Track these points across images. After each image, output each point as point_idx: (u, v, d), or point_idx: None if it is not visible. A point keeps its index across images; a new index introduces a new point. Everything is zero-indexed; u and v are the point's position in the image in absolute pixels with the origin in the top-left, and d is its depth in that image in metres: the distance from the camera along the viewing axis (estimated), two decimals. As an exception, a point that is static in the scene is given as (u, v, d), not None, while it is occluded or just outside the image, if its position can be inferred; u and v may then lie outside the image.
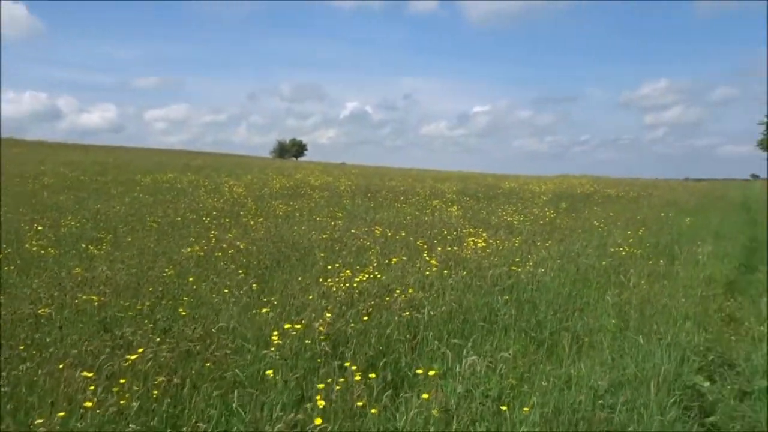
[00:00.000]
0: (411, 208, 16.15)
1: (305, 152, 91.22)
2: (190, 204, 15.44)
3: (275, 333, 4.69)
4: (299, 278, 6.98)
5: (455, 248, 9.23)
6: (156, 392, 3.82)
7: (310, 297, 6.01)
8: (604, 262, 8.61)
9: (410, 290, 6.26)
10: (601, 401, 4.15)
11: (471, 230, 11.66)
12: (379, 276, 6.95)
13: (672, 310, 6.45)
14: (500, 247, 9.51)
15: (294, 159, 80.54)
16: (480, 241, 9.69)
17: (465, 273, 7.45)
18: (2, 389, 3.99)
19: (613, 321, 6.00)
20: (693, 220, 14.60)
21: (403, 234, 10.79)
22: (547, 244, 10.13)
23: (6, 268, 8.18)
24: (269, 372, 4.10)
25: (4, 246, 9.63)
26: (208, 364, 4.32)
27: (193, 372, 4.25)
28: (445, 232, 11.15)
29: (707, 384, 4.71)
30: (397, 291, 6.16)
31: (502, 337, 5.52)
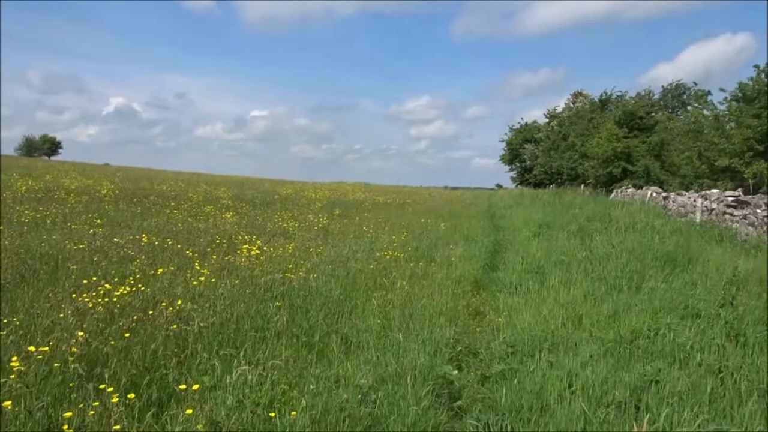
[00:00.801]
0: (183, 215, 15.42)
1: (60, 151, 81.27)
2: None
3: (15, 358, 4.12)
4: (49, 295, 6.22)
5: (229, 256, 9.06)
6: None
7: (62, 315, 5.40)
8: (371, 266, 9.17)
9: (179, 302, 5.99)
10: (365, 397, 4.43)
11: (246, 237, 11.55)
12: (143, 288, 6.52)
13: (428, 308, 7.14)
14: (274, 254, 9.58)
15: (46, 158, 71.27)
16: (254, 248, 9.65)
17: (238, 281, 7.36)
18: None
19: (378, 321, 6.44)
20: (448, 225, 16.29)
21: (174, 242, 10.26)
22: (320, 250, 10.47)
23: None
24: (7, 404, 3.59)
25: None
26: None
27: None
28: (219, 240, 10.88)
29: (456, 372, 5.30)
30: (164, 303, 5.84)
31: (275, 343, 5.58)
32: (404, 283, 8.30)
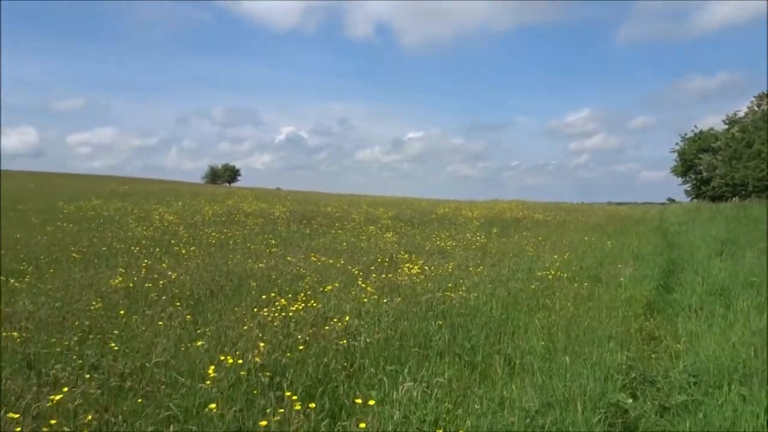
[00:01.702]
0: (347, 235, 16.23)
1: (239, 178, 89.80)
2: (117, 233, 14.93)
3: (211, 366, 4.62)
4: (234, 308, 6.90)
5: (390, 275, 9.36)
6: (86, 431, 3.70)
7: (246, 327, 5.96)
8: (533, 286, 8.94)
9: (346, 318, 6.31)
10: (532, 422, 4.31)
11: (406, 256, 11.85)
12: (315, 304, 6.96)
13: (596, 331, 6.78)
14: (434, 273, 9.71)
15: (227, 184, 79.14)
16: (415, 267, 9.87)
17: (400, 299, 7.58)
18: None
19: (542, 343, 6.24)
20: (614, 243, 15.36)
21: (340, 261, 10.84)
22: (479, 269, 10.43)
23: None
24: (212, 406, 4.04)
25: None
26: (141, 400, 4.21)
27: (125, 408, 4.13)
28: (381, 259, 11.28)
29: (630, 401, 4.97)
30: (334, 319, 6.19)
31: (437, 361, 5.65)
32: (568, 303, 7.98)
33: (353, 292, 7.73)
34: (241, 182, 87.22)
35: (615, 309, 7.96)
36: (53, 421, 3.77)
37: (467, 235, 16.90)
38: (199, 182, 75.82)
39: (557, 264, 11.34)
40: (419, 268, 9.85)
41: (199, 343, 5.40)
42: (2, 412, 3.85)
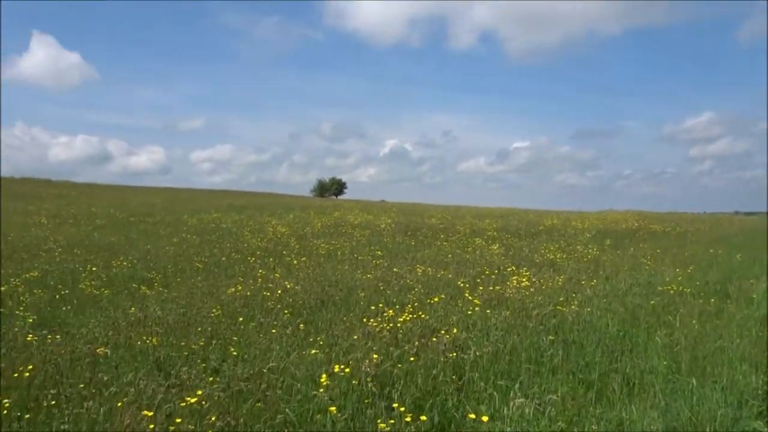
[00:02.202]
0: (452, 246, 16.16)
1: (345, 190, 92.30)
2: (235, 244, 15.82)
3: (324, 374, 4.76)
4: (344, 318, 7.07)
5: (498, 287, 9.19)
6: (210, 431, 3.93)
7: (356, 337, 6.08)
8: (652, 301, 8.43)
9: (454, 330, 6.27)
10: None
11: (513, 268, 11.60)
12: (423, 316, 6.98)
13: (726, 352, 6.26)
14: (544, 286, 9.42)
15: (334, 197, 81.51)
16: (523, 279, 9.63)
17: (508, 312, 7.41)
18: (64, 427, 4.16)
19: (664, 362, 5.86)
20: (744, 256, 14.16)
21: (445, 273, 10.80)
22: (593, 283, 9.99)
23: (63, 308, 8.54)
24: (332, 409, 4.15)
25: (60, 286, 10.05)
26: (259, 404, 4.41)
27: (244, 411, 4.34)
28: (487, 271, 11.11)
29: (767, 430, 4.54)
30: (441, 331, 6.17)
31: (550, 378, 5.46)
32: (693, 321, 7.44)
33: (460, 304, 7.66)
34: (347, 195, 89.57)
35: (747, 328, 7.32)
36: (178, 420, 4.03)
37: (578, 247, 16.26)
38: (308, 195, 78.66)
39: (679, 278, 10.62)
40: (528, 281, 9.60)
41: (314, 351, 5.58)
42: (136, 411, 4.18)
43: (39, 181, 48.73)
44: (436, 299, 7.98)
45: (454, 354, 5.59)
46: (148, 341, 6.40)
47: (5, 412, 4.62)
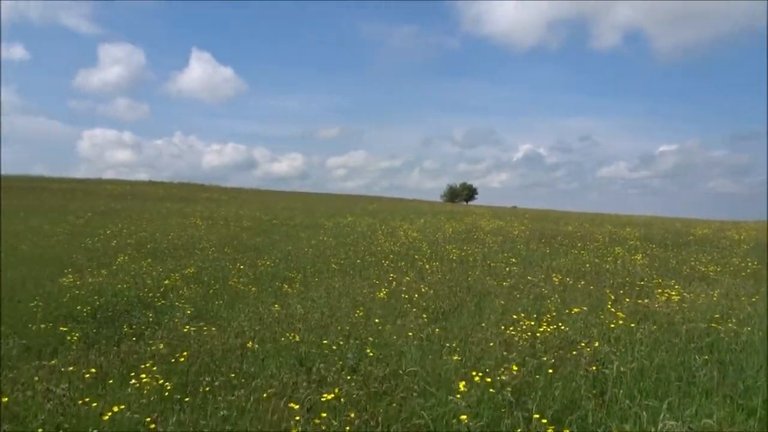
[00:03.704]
0: (590, 255, 15.42)
1: (475, 196, 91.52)
2: (368, 247, 16.27)
3: (461, 381, 4.76)
4: (482, 324, 7.02)
5: (644, 300, 8.63)
6: (349, 428, 4.07)
7: (491, 344, 6.01)
8: (828, 323, 7.46)
9: (595, 343, 5.98)
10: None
11: (659, 281, 10.83)
12: (562, 327, 6.74)
13: None
14: (696, 301, 8.70)
15: (464, 203, 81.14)
16: (673, 293, 8.96)
17: (655, 327, 6.94)
18: (221, 413, 4.53)
19: None
20: None
21: (584, 283, 10.34)
22: (753, 299, 9.05)
23: (216, 302, 9.29)
24: (463, 417, 4.16)
25: (213, 282, 10.94)
26: (396, 405, 4.51)
27: (381, 411, 4.46)
28: (630, 282, 10.48)
29: None
30: (582, 343, 5.92)
31: (703, 401, 5.03)
32: None
33: (601, 317, 7.30)
34: (477, 201, 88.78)
35: None
36: (323, 414, 4.22)
37: (734, 260, 14.82)
38: (438, 201, 79.03)
39: None
40: (678, 294, 8.92)
41: (455, 357, 5.59)
42: (283, 403, 4.44)
43: (193, 185, 53.54)
44: (575, 310, 7.66)
45: (595, 368, 5.34)
46: (290, 337, 6.78)
47: (167, 394, 5.12)
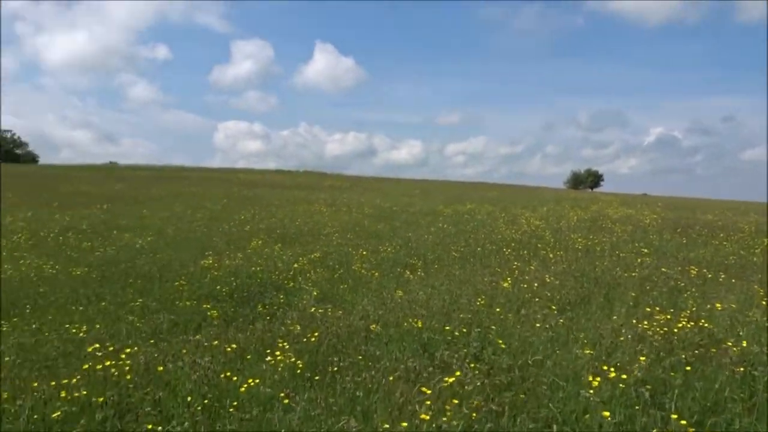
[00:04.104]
0: (733, 246, 14.15)
1: (601, 183, 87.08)
2: (489, 235, 16.06)
3: (591, 375, 4.59)
4: (613, 317, 6.70)
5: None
6: (475, 415, 4.06)
7: (622, 338, 5.72)
8: None
9: (743, 343, 5.49)
10: None
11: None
12: (704, 323, 6.26)
13: None
14: None
15: (589, 190, 77.55)
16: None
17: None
18: (349, 393, 4.71)
19: None
20: None
21: (725, 276, 9.52)
22: None
23: (341, 286, 9.63)
24: (606, 413, 4.00)
25: (337, 266, 11.34)
26: (522, 395, 4.44)
27: (506, 400, 4.40)
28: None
29: None
30: (728, 342, 5.46)
31: None
32: None
33: (750, 314, 6.68)
34: (603, 187, 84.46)
35: None
36: (455, 401, 4.24)
37: None
38: (561, 187, 76.14)
39: None
40: None
41: (587, 351, 5.39)
42: (411, 386, 4.53)
43: (317, 174, 55.66)
44: (718, 306, 7.08)
45: (743, 369, 4.91)
46: (413, 323, 6.88)
47: (299, 371, 5.40)
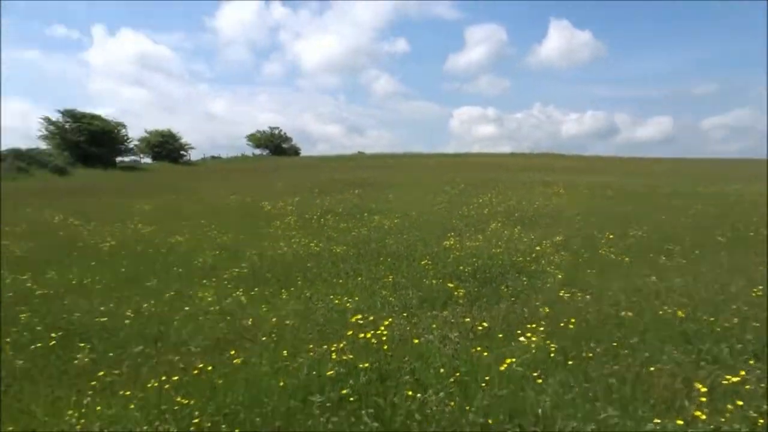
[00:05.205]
0: None
1: None
2: (762, 218, 13.91)
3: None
4: None
5: None
6: (762, 421, 3.58)
7: None
8: None
9: None
10: None
11: None
12: None
13: None
14: None
15: None
16: None
17: None
18: (607, 381, 4.50)
19: None
20: None
21: None
22: None
23: (587, 271, 9.20)
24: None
25: (582, 251, 10.85)
26: None
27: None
28: None
29: None
30: None
31: None
32: None
33: None
34: None
35: None
36: (739, 403, 3.80)
37: None
38: None
39: None
40: None
41: None
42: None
43: (553, 155, 53.86)
44: None
45: None
46: (671, 311, 6.30)
47: (552, 354, 5.30)
